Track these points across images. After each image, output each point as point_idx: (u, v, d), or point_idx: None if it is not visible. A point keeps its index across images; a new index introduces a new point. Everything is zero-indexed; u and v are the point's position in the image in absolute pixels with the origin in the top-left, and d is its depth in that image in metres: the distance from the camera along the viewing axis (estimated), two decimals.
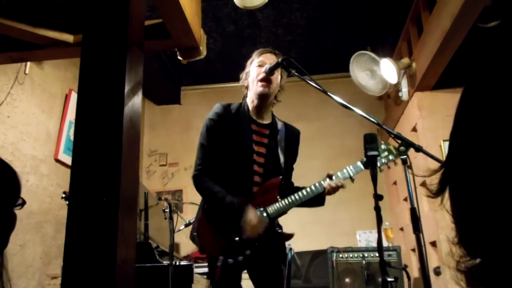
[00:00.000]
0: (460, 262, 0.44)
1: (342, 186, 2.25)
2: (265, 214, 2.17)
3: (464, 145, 0.43)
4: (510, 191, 0.37)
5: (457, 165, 0.44)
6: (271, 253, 2.22)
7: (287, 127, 2.44)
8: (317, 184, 2.25)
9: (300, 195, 2.22)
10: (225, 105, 2.35)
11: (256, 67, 2.32)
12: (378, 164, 2.21)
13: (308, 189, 2.24)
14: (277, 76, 2.31)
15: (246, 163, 2.24)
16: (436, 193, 0.48)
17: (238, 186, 2.20)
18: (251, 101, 2.36)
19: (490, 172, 0.39)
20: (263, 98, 2.31)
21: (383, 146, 2.28)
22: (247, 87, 2.39)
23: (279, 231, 2.23)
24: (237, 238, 2.13)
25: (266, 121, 2.38)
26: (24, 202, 1.24)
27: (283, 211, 2.20)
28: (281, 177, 2.26)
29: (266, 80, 2.26)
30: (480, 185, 0.40)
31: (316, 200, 2.28)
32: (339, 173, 2.27)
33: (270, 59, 2.31)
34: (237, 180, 2.22)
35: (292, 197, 2.21)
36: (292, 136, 2.43)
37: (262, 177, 2.26)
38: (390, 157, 2.25)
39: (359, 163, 2.27)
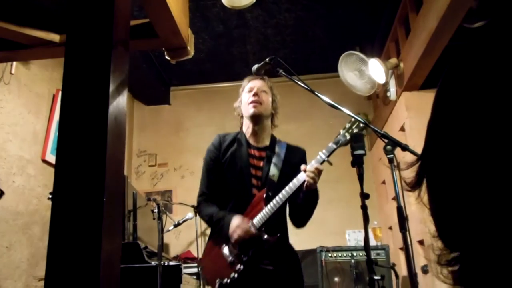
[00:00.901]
0: (441, 255, 0.45)
1: (320, 170, 2.15)
2: (252, 227, 2.16)
3: (440, 136, 0.44)
4: (486, 183, 0.38)
5: (434, 156, 0.44)
6: (273, 276, 2.17)
7: (290, 147, 2.41)
8: (294, 180, 2.17)
9: (280, 195, 2.17)
10: (222, 135, 2.42)
11: (246, 93, 2.39)
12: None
13: (287, 187, 2.17)
14: (267, 98, 2.38)
15: (244, 187, 2.26)
16: (413, 186, 0.48)
17: (239, 209, 2.23)
18: (246, 127, 2.40)
19: (467, 163, 0.40)
20: (255, 119, 2.35)
21: (347, 125, 2.20)
22: (242, 116, 2.45)
23: (265, 237, 2.16)
24: (230, 259, 2.15)
25: (264, 144, 2.39)
26: (2, 193, 1.24)
27: (267, 218, 2.15)
28: (265, 189, 2.23)
29: (256, 101, 2.32)
30: (457, 176, 0.41)
31: (308, 196, 2.20)
32: (313, 161, 2.19)
33: (258, 84, 2.38)
34: (239, 204, 2.25)
35: (273, 200, 2.17)
36: (295, 156, 2.37)
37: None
38: (361, 124, 2.13)
39: (330, 144, 2.21)
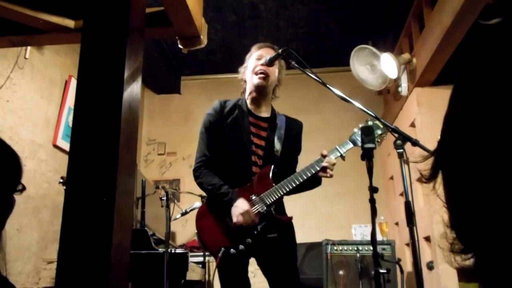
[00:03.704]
0: (454, 243, 0.45)
1: (333, 164, 2.25)
2: (260, 201, 2.19)
3: (457, 128, 0.44)
4: (502, 174, 0.38)
5: (451, 148, 0.45)
6: (277, 242, 2.23)
7: (289, 120, 2.48)
8: (309, 166, 2.25)
9: (294, 177, 2.22)
10: (222, 101, 2.43)
11: (254, 60, 2.40)
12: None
13: (303, 170, 2.24)
14: (274, 70, 2.39)
15: (244, 154, 2.29)
16: (429, 178, 0.48)
17: (238, 177, 2.25)
18: (249, 94, 2.42)
19: (483, 156, 0.40)
20: (260, 90, 2.37)
21: (369, 123, 2.30)
22: (245, 81, 2.46)
23: (276, 216, 2.22)
24: (236, 228, 2.16)
25: (265, 114, 2.43)
26: (24, 188, 1.25)
27: (280, 195, 2.20)
28: (272, 165, 2.28)
29: (263, 72, 2.33)
30: (473, 168, 0.41)
31: (313, 181, 2.30)
32: (332, 155, 2.28)
33: (268, 53, 2.36)
34: (237, 171, 2.26)
35: (287, 180, 2.21)
36: (294, 128, 2.46)
37: (261, 168, 2.30)
38: (378, 131, 2.27)
39: (347, 141, 2.32)
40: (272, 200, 2.19)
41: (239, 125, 2.32)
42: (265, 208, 2.17)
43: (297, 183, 2.20)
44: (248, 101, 2.41)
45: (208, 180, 2.25)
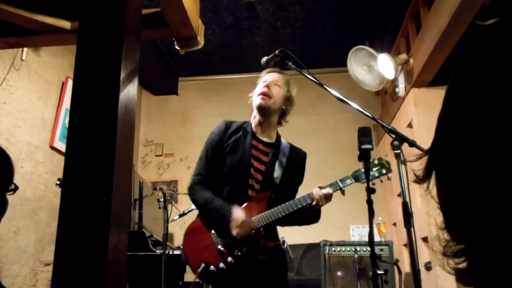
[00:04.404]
0: (447, 247, 0.45)
1: (331, 195, 2.22)
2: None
3: (451, 129, 0.44)
4: (496, 174, 0.38)
5: (444, 148, 0.45)
6: (268, 264, 2.20)
7: (293, 148, 2.43)
8: (301, 198, 2.22)
9: (287, 204, 2.19)
10: (228, 121, 2.40)
11: (260, 83, 2.38)
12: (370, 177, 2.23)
13: (296, 199, 2.22)
14: (279, 92, 2.34)
15: (242, 176, 2.25)
16: (422, 178, 0.48)
17: (233, 198, 2.21)
18: (253, 118, 2.39)
19: (476, 154, 0.40)
20: (262, 112, 2.33)
21: (375, 161, 2.28)
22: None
23: (265, 241, 2.19)
24: (219, 246, 2.13)
25: (269, 139, 2.38)
26: (16, 188, 1.24)
27: (269, 222, 2.16)
28: (269, 191, 2.25)
29: (265, 93, 2.30)
30: (466, 167, 0.41)
31: (310, 215, 2.28)
32: (329, 187, 2.25)
33: (273, 77, 2.36)
34: (233, 192, 2.23)
35: (278, 208, 2.18)
36: (296, 158, 2.41)
37: (258, 192, 2.26)
38: (383, 170, 2.26)
39: (349, 176, 2.29)
40: (262, 225, 2.16)
41: (240, 147, 2.29)
42: (253, 231, 2.15)
43: (287, 212, 2.16)
44: (253, 125, 2.37)
45: (202, 195, 2.23)
